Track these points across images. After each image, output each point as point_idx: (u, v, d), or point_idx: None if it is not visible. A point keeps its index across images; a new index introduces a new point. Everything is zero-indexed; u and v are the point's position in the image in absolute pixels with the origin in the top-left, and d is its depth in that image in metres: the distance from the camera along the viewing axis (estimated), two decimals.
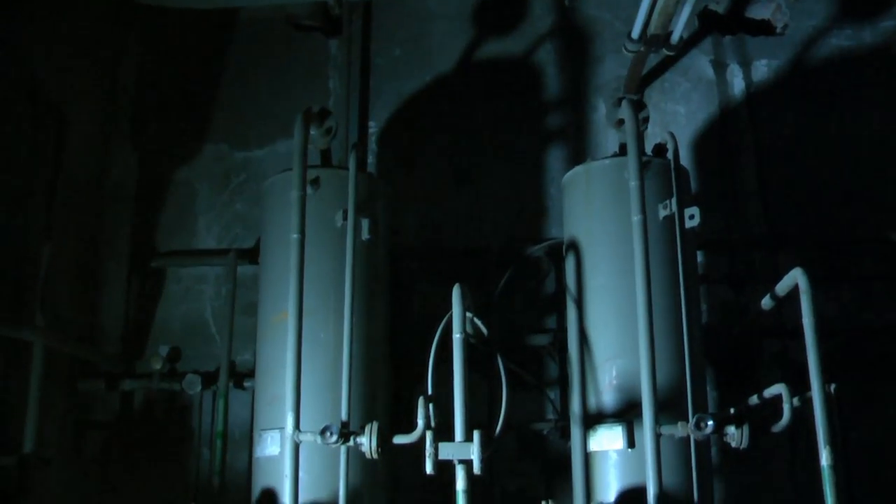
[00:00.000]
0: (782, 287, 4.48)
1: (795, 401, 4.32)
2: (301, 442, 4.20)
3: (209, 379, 5.47)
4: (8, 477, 4.81)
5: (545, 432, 5.44)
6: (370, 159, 6.04)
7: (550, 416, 5.50)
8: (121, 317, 5.90)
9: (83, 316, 5.80)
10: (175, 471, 5.59)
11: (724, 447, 4.77)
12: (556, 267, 5.67)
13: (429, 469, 3.90)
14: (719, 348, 5.50)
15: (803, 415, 4.27)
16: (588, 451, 4.50)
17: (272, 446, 4.56)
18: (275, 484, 4.45)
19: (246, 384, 5.42)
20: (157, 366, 5.56)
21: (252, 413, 4.97)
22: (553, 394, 5.58)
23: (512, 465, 5.51)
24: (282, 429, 4.34)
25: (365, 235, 4.54)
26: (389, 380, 5.00)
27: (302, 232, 4.39)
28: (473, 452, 3.88)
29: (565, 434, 5.11)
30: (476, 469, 3.89)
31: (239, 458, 5.37)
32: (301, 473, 4.24)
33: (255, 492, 4.62)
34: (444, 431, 3.98)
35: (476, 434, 3.89)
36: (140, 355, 5.83)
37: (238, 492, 5.00)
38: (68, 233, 5.61)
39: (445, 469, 3.99)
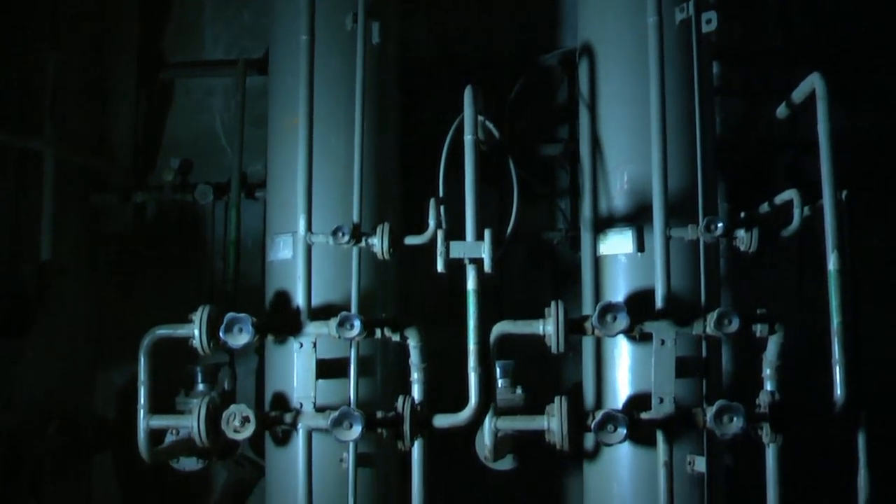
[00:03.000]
0: (798, 93, 4.40)
1: (806, 209, 4.33)
2: (313, 244, 4.24)
3: (221, 190, 5.48)
4: (27, 284, 4.92)
5: (555, 242, 5.48)
6: None
7: (561, 226, 5.55)
8: (130, 130, 5.85)
9: (92, 128, 5.73)
10: (189, 279, 5.69)
11: (733, 257, 4.82)
12: (570, 77, 5.57)
13: (440, 267, 3.93)
14: (732, 161, 5.46)
15: (813, 228, 4.26)
16: (598, 255, 4.52)
17: (284, 250, 4.61)
18: (288, 286, 4.51)
19: (257, 194, 5.42)
20: (169, 178, 5.56)
21: (264, 223, 5.00)
22: (563, 204, 5.60)
23: (522, 274, 5.57)
24: (294, 232, 4.38)
25: (375, 39, 4.42)
26: (400, 187, 4.99)
27: (311, 34, 4.30)
28: (484, 251, 3.90)
29: (575, 244, 5.12)
30: (487, 267, 3.92)
31: (252, 266, 5.43)
32: (314, 276, 4.30)
33: (269, 295, 4.70)
34: (454, 237, 3.98)
35: (487, 232, 3.90)
36: (151, 168, 5.84)
37: (251, 296, 5.08)
38: (74, 44, 5.49)
39: (456, 276, 4.03)
